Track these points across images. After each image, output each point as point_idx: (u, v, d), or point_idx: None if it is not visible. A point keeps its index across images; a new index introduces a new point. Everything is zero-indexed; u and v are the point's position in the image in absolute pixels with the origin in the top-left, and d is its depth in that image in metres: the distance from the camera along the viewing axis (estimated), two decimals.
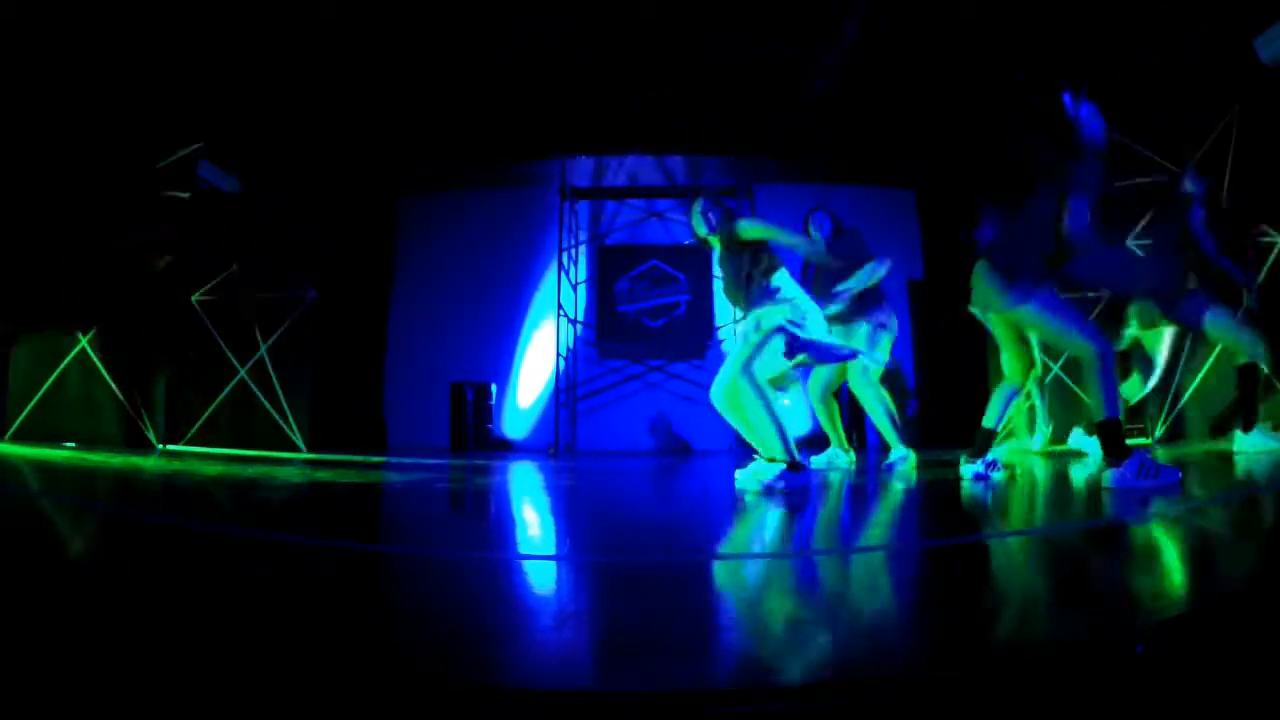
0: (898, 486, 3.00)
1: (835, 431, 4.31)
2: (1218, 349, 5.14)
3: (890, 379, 4.32)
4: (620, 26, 5.51)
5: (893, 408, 4.11)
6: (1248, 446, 3.74)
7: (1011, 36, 5.32)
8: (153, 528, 1.95)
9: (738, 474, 2.90)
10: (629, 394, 8.08)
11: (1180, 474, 2.45)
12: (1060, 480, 3.17)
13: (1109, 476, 2.48)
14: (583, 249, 8.37)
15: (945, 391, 7.47)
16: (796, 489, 2.71)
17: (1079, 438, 4.41)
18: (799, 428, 7.61)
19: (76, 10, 4.77)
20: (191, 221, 6.02)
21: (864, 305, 4.11)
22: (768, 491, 2.67)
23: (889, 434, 4.03)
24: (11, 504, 2.36)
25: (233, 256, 6.59)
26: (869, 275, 4.08)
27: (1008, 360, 3.19)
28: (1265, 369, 3.82)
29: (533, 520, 2.27)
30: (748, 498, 2.53)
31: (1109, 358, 2.63)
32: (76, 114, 5.80)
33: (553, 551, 1.67)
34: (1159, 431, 5.31)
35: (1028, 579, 1.31)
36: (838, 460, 4.25)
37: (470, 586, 1.26)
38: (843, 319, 4.09)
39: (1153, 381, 4.22)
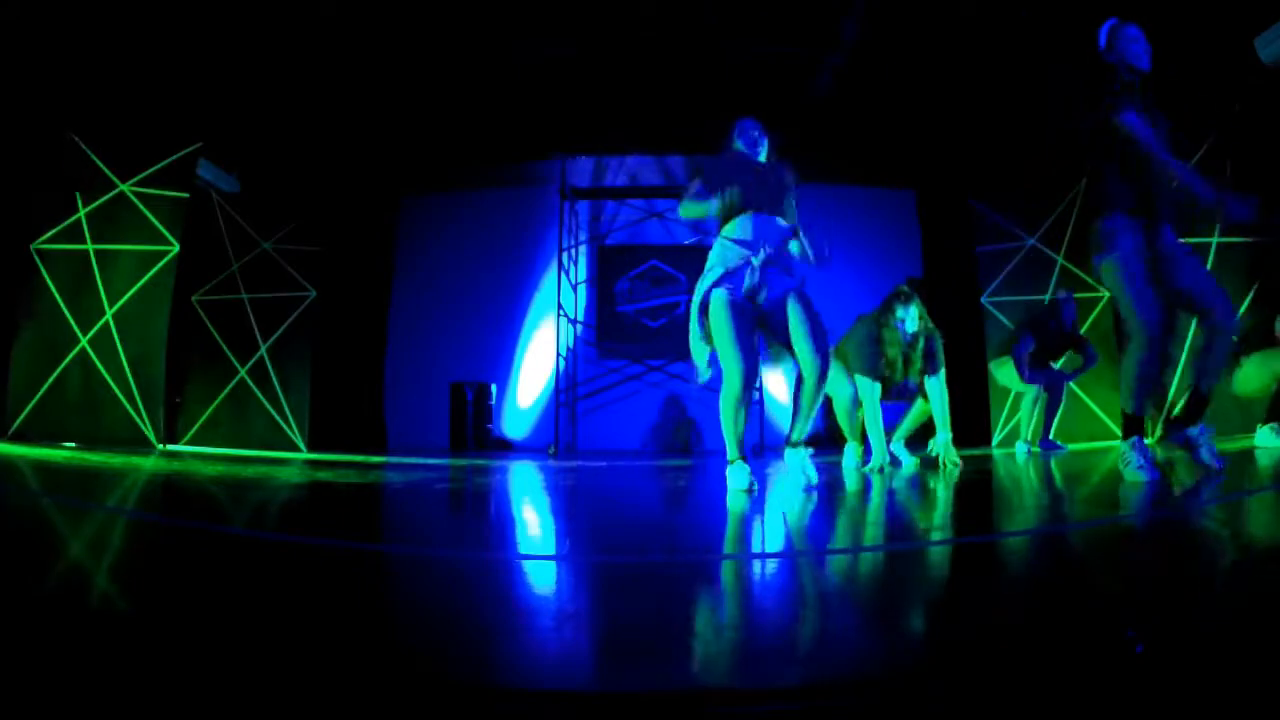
0: (900, 485, 3.00)
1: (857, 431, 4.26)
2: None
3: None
4: (620, 27, 5.51)
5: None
6: (1267, 442, 3.74)
7: (1010, 37, 5.33)
8: (152, 527, 1.95)
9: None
10: (629, 394, 8.08)
11: (1157, 475, 2.49)
12: (1064, 479, 3.17)
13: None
14: (583, 249, 8.37)
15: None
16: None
17: (1265, 435, 3.90)
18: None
19: (77, 9, 4.77)
20: (191, 221, 6.01)
21: None
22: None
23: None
24: (11, 504, 2.36)
25: (233, 256, 6.60)
26: None
27: None
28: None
29: (532, 520, 2.27)
30: (749, 496, 2.52)
31: (1148, 350, 2.52)
32: (75, 114, 5.80)
33: (552, 551, 1.67)
34: (1157, 430, 5.32)
35: (1026, 578, 1.31)
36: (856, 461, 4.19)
37: (470, 586, 1.26)
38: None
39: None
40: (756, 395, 7.09)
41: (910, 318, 3.86)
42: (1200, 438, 2.69)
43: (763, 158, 3.02)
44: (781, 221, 2.86)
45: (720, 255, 2.82)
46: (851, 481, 3.25)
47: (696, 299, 2.86)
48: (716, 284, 2.77)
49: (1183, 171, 2.54)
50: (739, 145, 2.99)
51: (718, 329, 2.75)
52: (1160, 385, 3.11)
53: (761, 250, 2.76)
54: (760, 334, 2.89)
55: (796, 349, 2.79)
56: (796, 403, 2.85)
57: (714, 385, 2.99)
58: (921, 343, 3.92)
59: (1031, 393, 5.15)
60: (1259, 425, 3.84)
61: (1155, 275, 2.59)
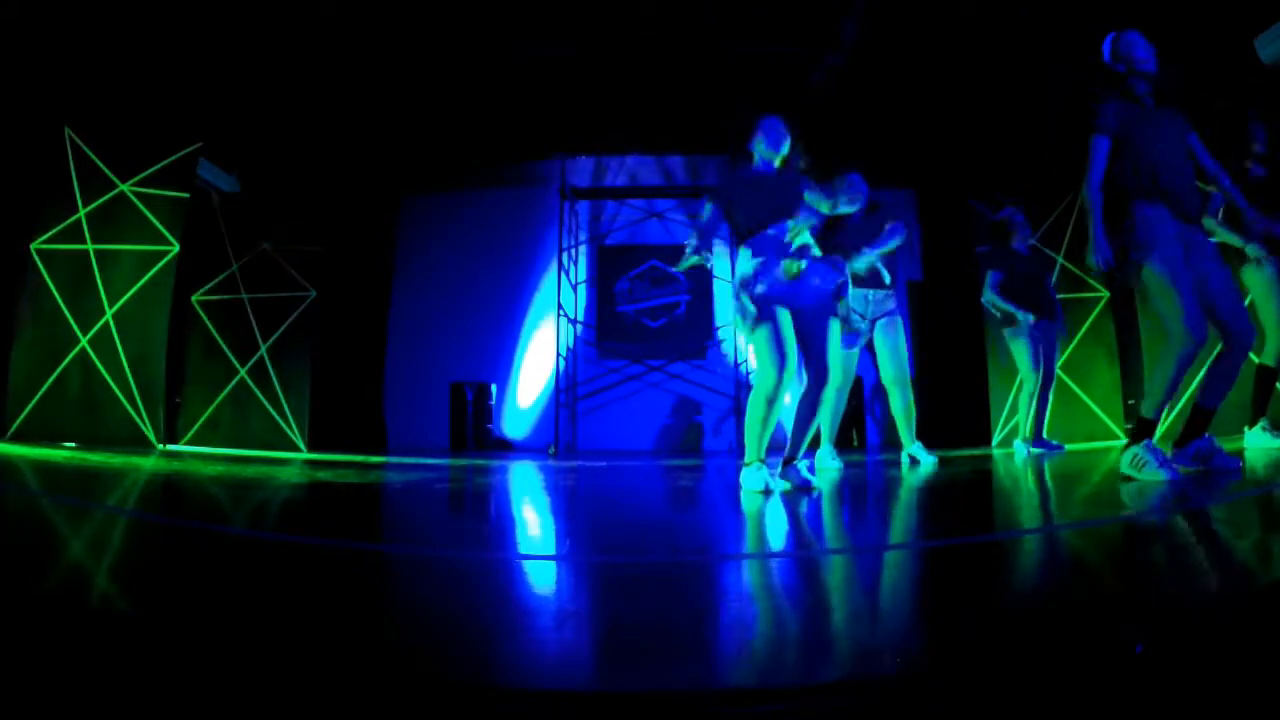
0: (899, 485, 3.01)
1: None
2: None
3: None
4: (620, 27, 5.51)
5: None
6: (1256, 443, 3.74)
7: (1009, 37, 5.32)
8: (152, 527, 1.95)
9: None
10: (629, 394, 8.08)
11: (1176, 473, 2.47)
12: (1064, 479, 3.17)
13: (1121, 461, 2.63)
14: (583, 249, 8.37)
15: (945, 392, 7.47)
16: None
17: (1256, 436, 3.86)
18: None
19: (77, 9, 4.76)
20: (191, 221, 6.00)
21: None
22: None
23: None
24: (11, 504, 2.36)
25: (233, 256, 6.60)
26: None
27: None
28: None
29: (533, 520, 2.27)
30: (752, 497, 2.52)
31: (1186, 358, 2.50)
32: (75, 114, 5.80)
33: (553, 551, 1.67)
34: (1159, 429, 5.29)
35: (1026, 578, 1.31)
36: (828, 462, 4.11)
37: (470, 586, 1.26)
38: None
39: None
40: None
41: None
42: (1211, 446, 2.71)
43: (779, 160, 2.99)
44: (795, 230, 2.86)
45: (751, 262, 2.83)
46: (850, 482, 3.25)
47: (741, 294, 2.85)
48: (757, 282, 2.77)
49: (1094, 214, 2.60)
50: (761, 144, 2.96)
51: (758, 328, 2.75)
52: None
53: (782, 261, 2.78)
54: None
55: (804, 352, 2.81)
56: (798, 418, 2.85)
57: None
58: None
59: (1030, 384, 5.08)
60: (1245, 427, 3.83)
61: (1195, 282, 2.58)
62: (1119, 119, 2.63)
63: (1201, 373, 2.78)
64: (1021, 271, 5.02)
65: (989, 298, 5.09)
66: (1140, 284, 2.63)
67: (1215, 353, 2.71)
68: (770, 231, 2.81)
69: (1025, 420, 5.08)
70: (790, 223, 2.85)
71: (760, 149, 2.97)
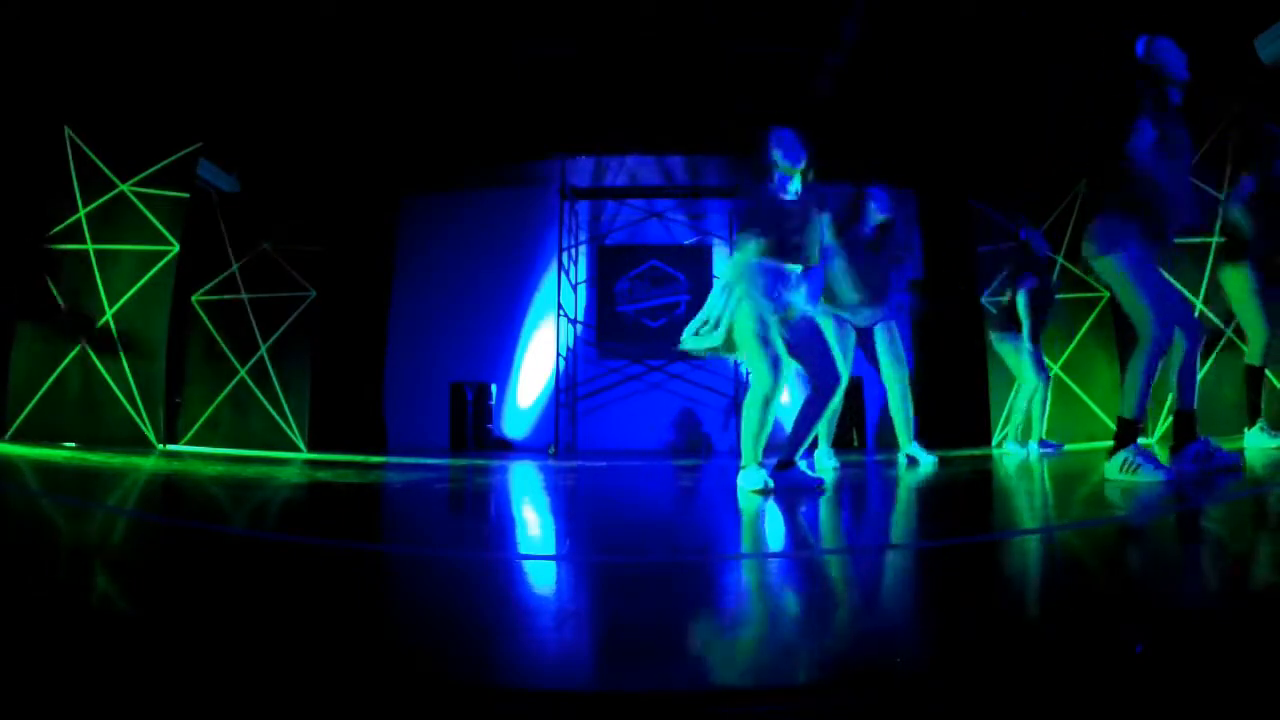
0: (898, 485, 3.00)
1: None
2: (1221, 343, 5.13)
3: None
4: (620, 27, 5.51)
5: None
6: (1255, 443, 3.76)
7: (1009, 38, 5.32)
8: (152, 527, 1.95)
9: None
10: (629, 394, 8.08)
11: (1172, 473, 2.46)
12: (1061, 479, 3.17)
13: (1107, 468, 2.59)
14: (583, 249, 8.37)
15: (945, 392, 7.47)
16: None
17: (1254, 436, 3.87)
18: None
19: (77, 9, 4.76)
20: (191, 221, 6.00)
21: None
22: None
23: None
24: (12, 504, 2.36)
25: (233, 256, 6.60)
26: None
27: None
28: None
29: (533, 520, 2.27)
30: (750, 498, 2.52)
31: (1157, 354, 2.53)
32: (76, 114, 5.80)
33: (553, 551, 1.67)
34: (1158, 430, 5.31)
35: (1026, 578, 1.31)
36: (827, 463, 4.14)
37: (470, 586, 1.26)
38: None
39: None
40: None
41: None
42: (1209, 447, 2.71)
43: (798, 182, 2.94)
44: (806, 270, 2.91)
45: (753, 274, 2.82)
46: (849, 482, 3.25)
47: (729, 306, 2.85)
48: (750, 295, 2.77)
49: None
50: (780, 159, 2.91)
51: (748, 334, 2.73)
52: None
53: (792, 292, 2.85)
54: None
55: (807, 364, 2.82)
56: (799, 420, 2.85)
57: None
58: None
59: (1029, 386, 5.10)
60: (1245, 428, 3.85)
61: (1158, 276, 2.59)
62: (1151, 137, 2.59)
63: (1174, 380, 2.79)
64: (1043, 286, 5.09)
65: (1011, 300, 5.07)
66: (1098, 274, 2.67)
67: (1178, 358, 2.73)
68: (785, 266, 2.85)
69: (1022, 422, 5.12)
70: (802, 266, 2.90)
71: (781, 165, 2.90)
